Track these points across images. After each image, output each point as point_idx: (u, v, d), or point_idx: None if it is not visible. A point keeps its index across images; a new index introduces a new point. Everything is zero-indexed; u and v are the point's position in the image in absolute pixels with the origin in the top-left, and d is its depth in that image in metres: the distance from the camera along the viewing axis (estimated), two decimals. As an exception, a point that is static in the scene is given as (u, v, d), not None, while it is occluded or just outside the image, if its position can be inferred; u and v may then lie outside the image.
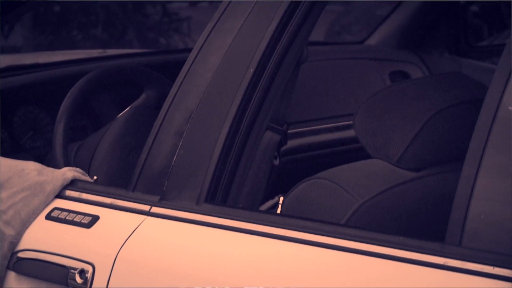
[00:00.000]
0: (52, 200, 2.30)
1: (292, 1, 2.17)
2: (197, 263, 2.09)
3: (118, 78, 3.03)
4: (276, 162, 2.42)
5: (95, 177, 2.51)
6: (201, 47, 2.24)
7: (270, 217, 2.13)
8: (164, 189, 2.18)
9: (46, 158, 2.90)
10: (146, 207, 2.18)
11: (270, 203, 2.50)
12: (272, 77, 2.17)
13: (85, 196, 2.29)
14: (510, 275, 1.78)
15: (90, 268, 2.16)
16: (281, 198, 2.28)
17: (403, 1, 3.84)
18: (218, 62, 2.20)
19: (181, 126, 2.20)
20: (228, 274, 2.04)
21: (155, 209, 2.17)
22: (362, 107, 2.28)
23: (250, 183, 2.23)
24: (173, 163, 2.18)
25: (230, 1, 2.24)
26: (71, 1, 7.56)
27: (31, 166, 2.37)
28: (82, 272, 2.16)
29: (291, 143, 2.99)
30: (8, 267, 2.27)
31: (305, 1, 2.17)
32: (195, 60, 2.24)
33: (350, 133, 2.37)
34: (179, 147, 2.18)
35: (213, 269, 2.06)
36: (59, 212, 2.27)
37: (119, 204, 2.22)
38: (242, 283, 2.00)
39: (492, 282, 1.79)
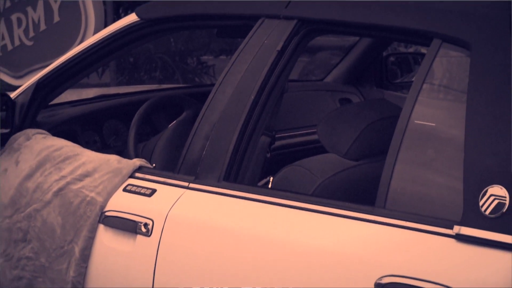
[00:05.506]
0: (127, 179, 2.28)
1: (277, 55, 2.15)
2: (218, 219, 2.07)
3: (169, 102, 3.01)
4: (268, 155, 2.40)
5: (154, 165, 2.49)
6: (220, 83, 2.22)
7: (264, 190, 2.13)
8: (197, 172, 2.15)
9: (123, 153, 2.89)
10: (186, 184, 2.16)
11: (264, 181, 2.48)
12: (266, 101, 2.16)
13: (147, 176, 2.27)
14: (414, 227, 1.77)
15: (150, 222, 2.14)
16: (271, 178, 2.28)
17: (347, 55, 3.83)
18: (231, 92, 2.18)
19: (208, 132, 2.18)
20: (237, 224, 2.03)
21: (192, 185, 2.15)
22: (322, 120, 2.27)
23: (252, 168, 2.21)
24: (203, 155, 2.16)
25: (239, 55, 2.22)
26: (140, 54, 7.63)
27: (113, 158, 2.35)
28: (145, 225, 2.14)
29: (278, 143, 2.98)
30: (99, 221, 2.25)
31: (286, 53, 2.15)
32: (217, 91, 2.22)
33: (315, 136, 2.36)
34: (207, 145, 2.16)
35: (228, 222, 2.05)
36: (131, 186, 2.25)
37: (169, 181, 2.20)
38: (247, 229, 2.00)
39: (404, 230, 1.79)
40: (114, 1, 6.90)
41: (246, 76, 2.17)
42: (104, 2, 5.92)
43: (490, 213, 1.67)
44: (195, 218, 2.10)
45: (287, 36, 2.15)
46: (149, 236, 2.13)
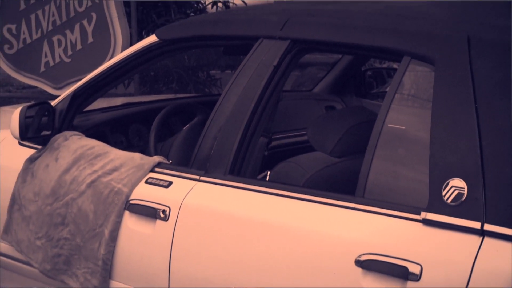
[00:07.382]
0: (148, 173, 2.26)
1: (273, 70, 2.14)
2: (224, 206, 2.06)
3: (183, 109, 3.00)
4: (266, 153, 2.39)
5: (170, 161, 2.48)
6: (226, 93, 2.21)
7: (263, 182, 2.11)
8: (207, 167, 2.14)
9: (145, 151, 2.87)
10: (197, 177, 2.15)
11: (262, 174, 2.47)
12: (264, 107, 2.14)
13: (165, 171, 2.25)
14: (388, 213, 1.77)
15: (168, 209, 2.13)
16: (269, 172, 2.27)
17: (331, 69, 3.81)
18: (235, 100, 2.17)
19: (216, 134, 2.17)
20: (240, 211, 2.01)
21: (202, 178, 2.14)
22: (311, 124, 2.26)
23: (252, 164, 2.20)
24: (211, 153, 2.15)
25: (241, 69, 2.20)
26: (159, 68, 7.60)
27: (137, 155, 2.34)
28: (163, 211, 2.13)
29: (274, 143, 2.97)
30: (125, 208, 2.24)
31: (280, 68, 2.14)
32: (223, 99, 2.20)
33: (305, 137, 2.35)
34: (214, 145, 2.15)
35: (232, 209, 2.03)
36: (152, 179, 2.24)
37: (183, 175, 2.19)
38: (248, 215, 1.98)
39: (380, 216, 1.78)
40: (138, 25, 6.90)
41: (247, 87, 2.15)
42: (129, 25, 5.95)
43: (452, 201, 1.67)
44: (205, 206, 2.08)
45: (281, 53, 2.14)
46: (167, 221, 2.12)
